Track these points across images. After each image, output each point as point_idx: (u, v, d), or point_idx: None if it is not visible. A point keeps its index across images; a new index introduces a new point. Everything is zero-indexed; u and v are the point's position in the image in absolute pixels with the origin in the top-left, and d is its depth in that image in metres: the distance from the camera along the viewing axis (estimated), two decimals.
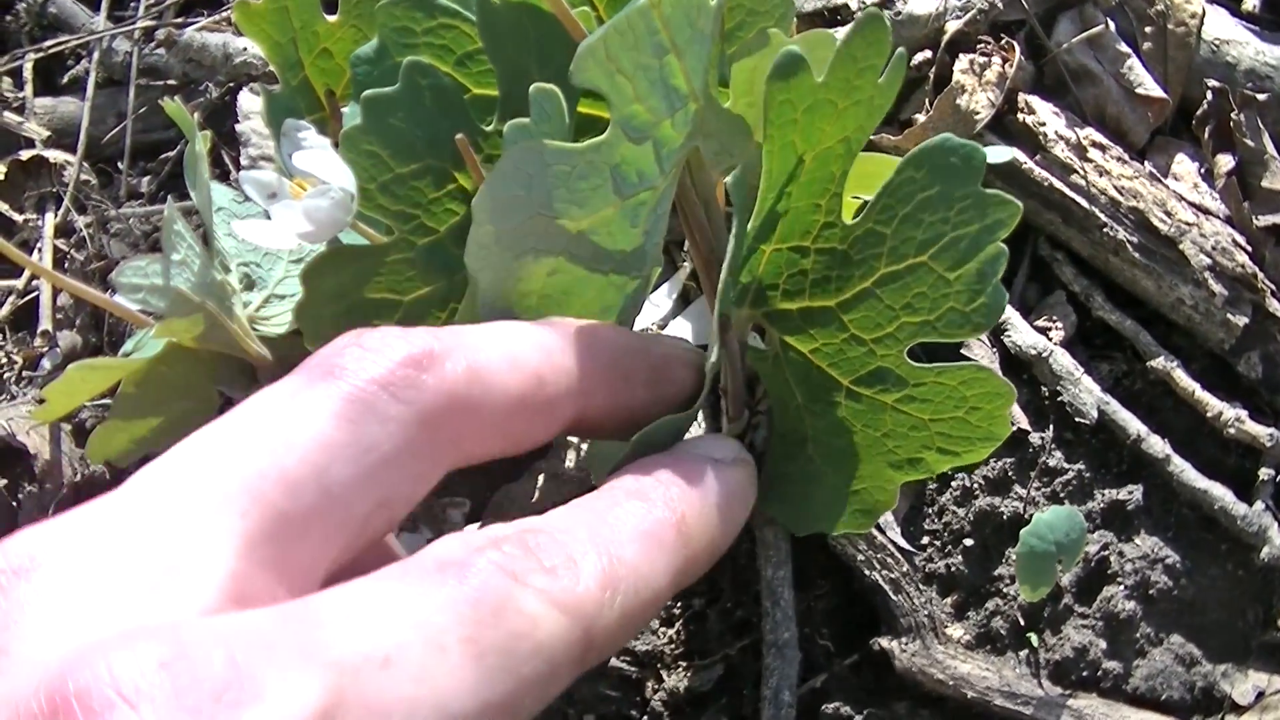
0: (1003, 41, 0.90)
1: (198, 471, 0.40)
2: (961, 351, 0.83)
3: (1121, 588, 0.78)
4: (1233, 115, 0.89)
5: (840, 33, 0.56)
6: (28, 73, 1.11)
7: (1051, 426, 0.83)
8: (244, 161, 0.96)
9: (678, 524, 0.48)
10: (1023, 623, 0.78)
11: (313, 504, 0.41)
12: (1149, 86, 0.91)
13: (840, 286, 0.58)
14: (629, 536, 0.45)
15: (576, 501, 0.47)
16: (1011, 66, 0.89)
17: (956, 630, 0.78)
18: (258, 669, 0.34)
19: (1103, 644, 0.77)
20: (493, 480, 0.83)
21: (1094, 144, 0.88)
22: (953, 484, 0.81)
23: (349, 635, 0.36)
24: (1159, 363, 0.85)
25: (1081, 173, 0.87)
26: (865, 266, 0.57)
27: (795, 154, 0.56)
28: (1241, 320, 0.84)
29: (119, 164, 1.06)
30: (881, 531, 0.78)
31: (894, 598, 0.76)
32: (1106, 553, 0.79)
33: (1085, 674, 0.77)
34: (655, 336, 0.55)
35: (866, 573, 0.77)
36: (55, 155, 1.05)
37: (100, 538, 0.38)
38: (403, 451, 0.44)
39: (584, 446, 0.83)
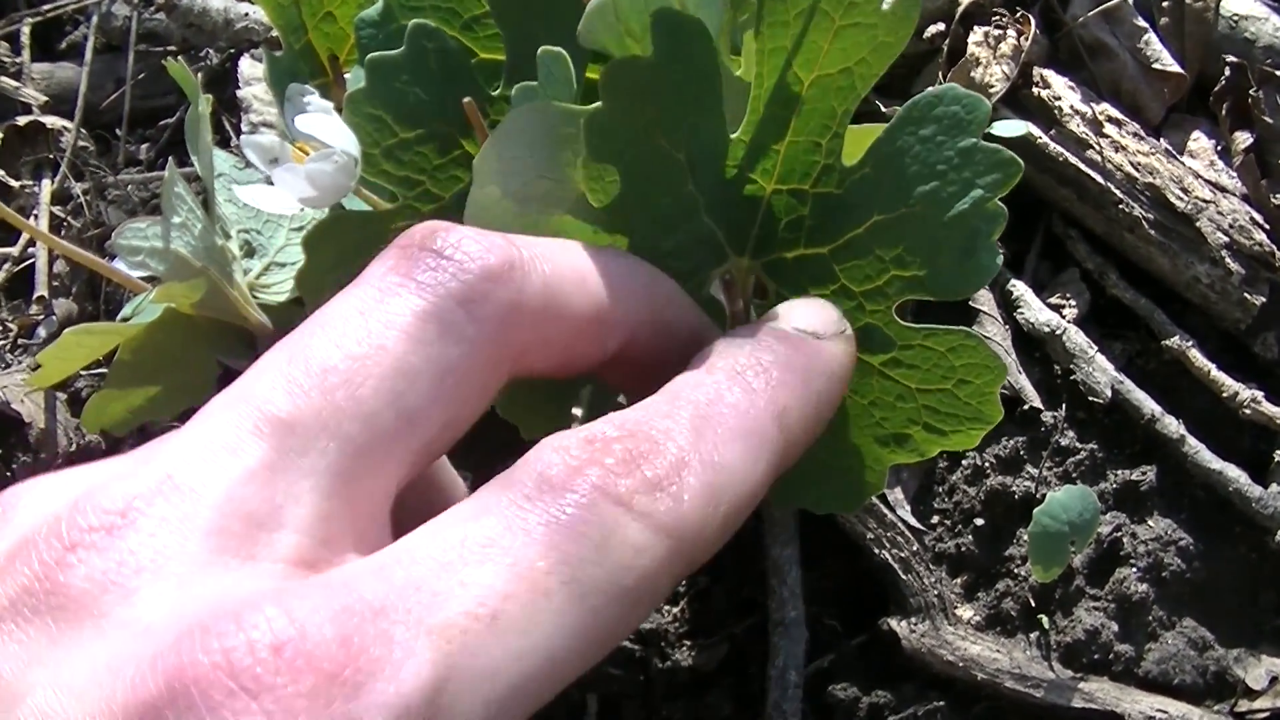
0: (1018, 14, 0.89)
1: (272, 405, 0.39)
2: (972, 329, 0.82)
3: (1134, 570, 0.77)
4: (1251, 92, 0.87)
5: None
6: (25, 37, 1.09)
7: (1064, 405, 0.82)
8: (245, 128, 0.95)
9: (779, 416, 0.46)
10: (1034, 604, 0.77)
11: (389, 433, 0.40)
12: (1166, 62, 0.89)
13: (834, 234, 0.57)
14: (732, 435, 0.44)
15: (677, 386, 0.46)
16: (1026, 40, 0.88)
17: (966, 611, 0.77)
18: (369, 643, 0.34)
19: (1114, 626, 0.76)
20: (490, 455, 0.82)
21: (1110, 119, 0.87)
22: (963, 463, 0.80)
23: (453, 592, 0.36)
24: (1174, 342, 0.83)
25: (1097, 148, 0.86)
26: (859, 213, 0.56)
27: (789, 69, 0.55)
28: (1259, 299, 0.82)
29: (117, 130, 1.04)
30: (891, 510, 0.77)
31: (903, 577, 0.75)
32: (1119, 534, 0.78)
33: (1096, 657, 0.76)
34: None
35: (876, 551, 0.76)
36: (53, 121, 1.03)
37: (189, 486, 0.37)
38: (474, 369, 0.42)
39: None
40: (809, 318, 0.52)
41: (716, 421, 0.44)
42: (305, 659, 0.33)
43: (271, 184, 0.60)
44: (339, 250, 0.63)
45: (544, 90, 0.54)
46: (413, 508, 0.42)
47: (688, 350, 0.50)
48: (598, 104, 0.53)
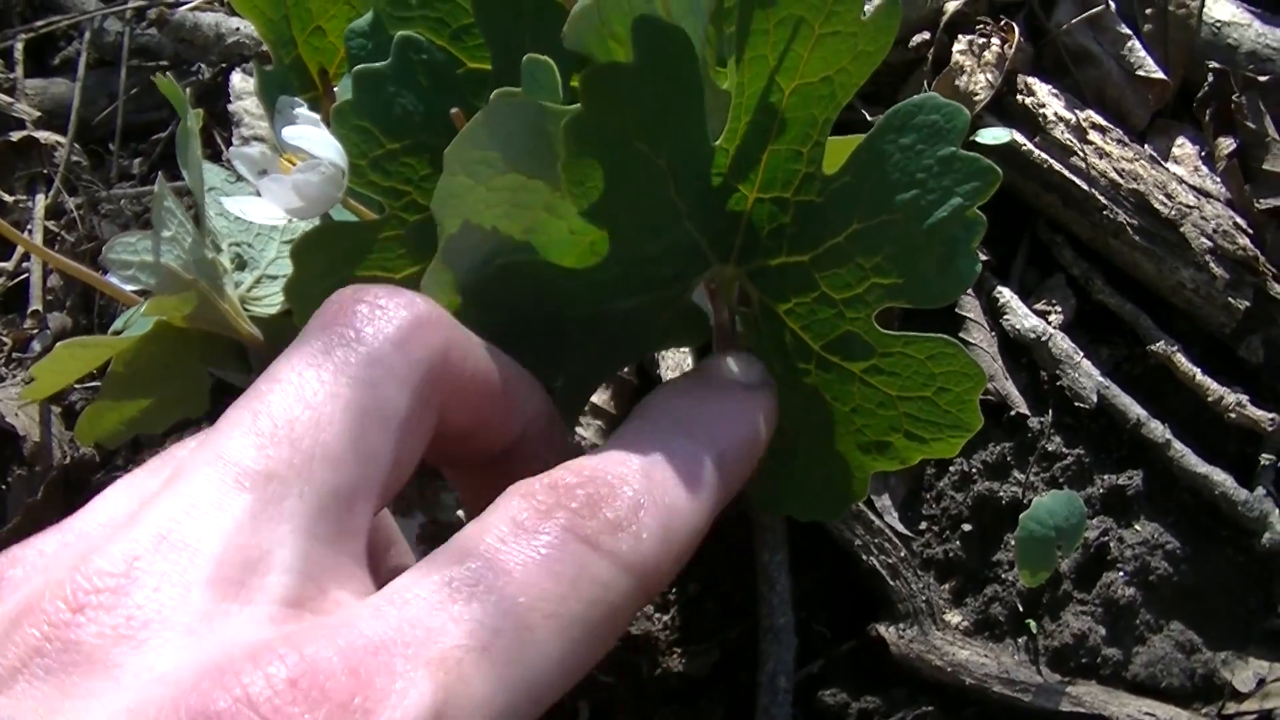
0: (1002, 22, 0.90)
1: (246, 458, 0.41)
2: (958, 336, 0.83)
3: (1121, 574, 0.78)
4: (1234, 98, 0.88)
5: None
6: (18, 53, 1.10)
7: (1051, 411, 0.82)
8: (236, 141, 0.95)
9: (719, 461, 0.51)
10: (1021, 609, 0.77)
11: (354, 474, 0.43)
12: (1150, 68, 0.90)
13: (815, 242, 0.57)
14: (680, 479, 0.48)
15: (625, 435, 0.51)
16: (1011, 47, 0.88)
17: (954, 616, 0.77)
18: (374, 675, 0.37)
19: (1102, 630, 0.76)
20: None
21: (1094, 126, 0.87)
22: (951, 469, 0.80)
23: (446, 628, 0.39)
24: (1159, 347, 0.84)
25: (1081, 155, 0.86)
26: (840, 221, 0.56)
27: (771, 78, 0.55)
28: (1243, 304, 0.83)
29: (110, 145, 1.05)
30: (879, 516, 0.77)
31: (891, 583, 0.76)
32: (1106, 538, 0.79)
33: (1084, 661, 0.76)
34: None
35: (864, 557, 0.76)
36: (46, 136, 1.04)
37: (184, 543, 0.39)
38: (414, 411, 0.45)
39: None
40: (740, 371, 0.57)
41: (664, 467, 0.48)
42: (319, 690, 0.35)
43: (259, 195, 0.60)
44: (327, 260, 0.63)
45: (532, 96, 0.55)
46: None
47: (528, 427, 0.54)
48: (577, 105, 0.53)
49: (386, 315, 0.46)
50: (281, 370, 0.44)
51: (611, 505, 0.45)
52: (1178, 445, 0.81)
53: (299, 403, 0.43)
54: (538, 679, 0.40)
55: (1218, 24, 0.91)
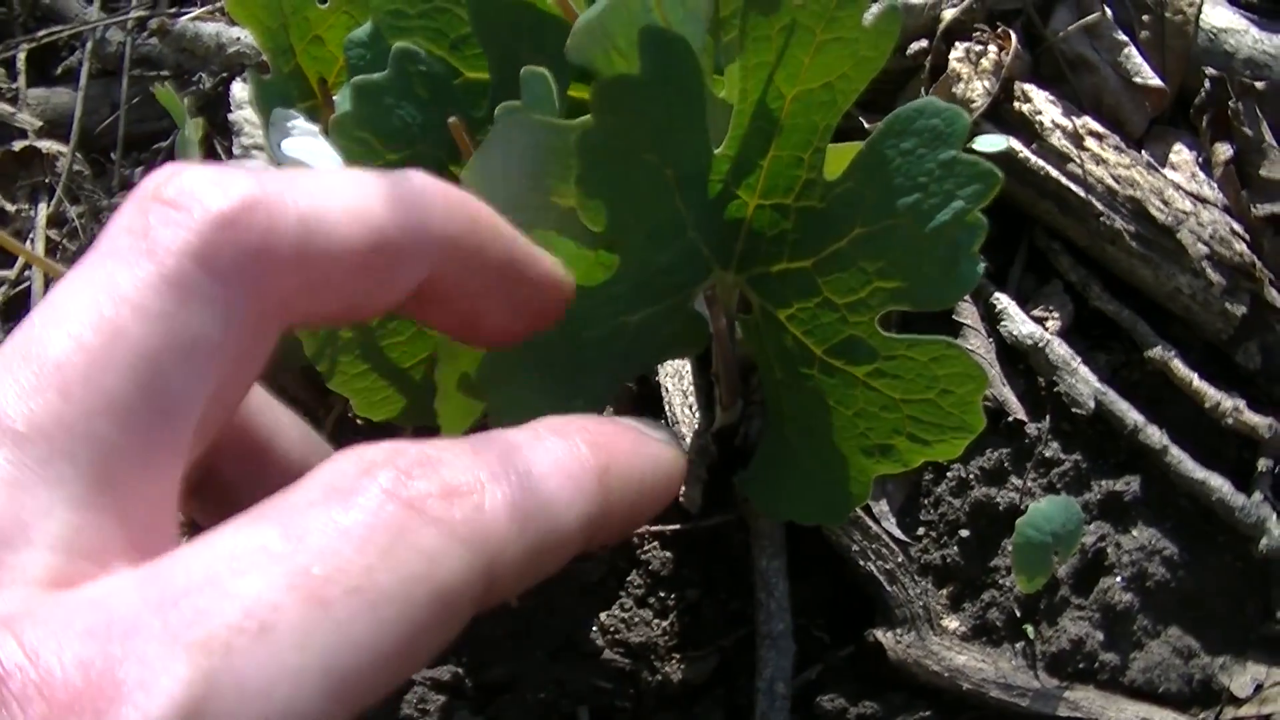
0: (999, 30, 0.90)
1: (3, 416, 0.34)
2: (955, 341, 0.83)
3: (1119, 579, 0.78)
4: (1231, 104, 0.88)
5: None
6: (21, 63, 1.11)
7: (1048, 417, 0.82)
8: (236, 151, 0.95)
9: (599, 472, 0.42)
10: (1019, 614, 0.78)
11: (145, 426, 0.36)
12: (1146, 75, 0.90)
13: (817, 247, 0.58)
14: (547, 470, 0.40)
15: (495, 430, 0.42)
16: (1008, 55, 0.88)
17: (952, 622, 0.78)
18: (114, 664, 0.30)
19: (1100, 636, 0.77)
20: None
21: (1091, 133, 0.88)
22: (948, 475, 0.81)
23: (214, 603, 0.32)
24: (1157, 353, 0.84)
25: (1078, 161, 0.86)
26: (842, 226, 0.57)
27: (771, 85, 0.55)
28: (1240, 310, 0.83)
29: (112, 154, 1.06)
30: (877, 522, 0.77)
31: (889, 589, 0.76)
32: (1103, 544, 0.79)
33: (1082, 666, 0.76)
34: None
35: (861, 563, 0.76)
36: (48, 145, 1.05)
37: None
38: (229, 334, 0.38)
39: None
40: (640, 423, 0.48)
41: (533, 456, 0.41)
42: (36, 688, 0.29)
43: None
44: None
45: (527, 110, 0.55)
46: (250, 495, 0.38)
47: (511, 279, 0.48)
48: (585, 118, 0.53)
49: (184, 218, 0.37)
50: (59, 298, 0.37)
51: (454, 469, 0.37)
52: (1175, 451, 0.81)
53: (72, 340, 0.35)
54: (338, 667, 0.32)
55: (1214, 30, 0.92)
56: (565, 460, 0.41)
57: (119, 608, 0.31)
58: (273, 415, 0.49)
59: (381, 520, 0.35)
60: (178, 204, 0.38)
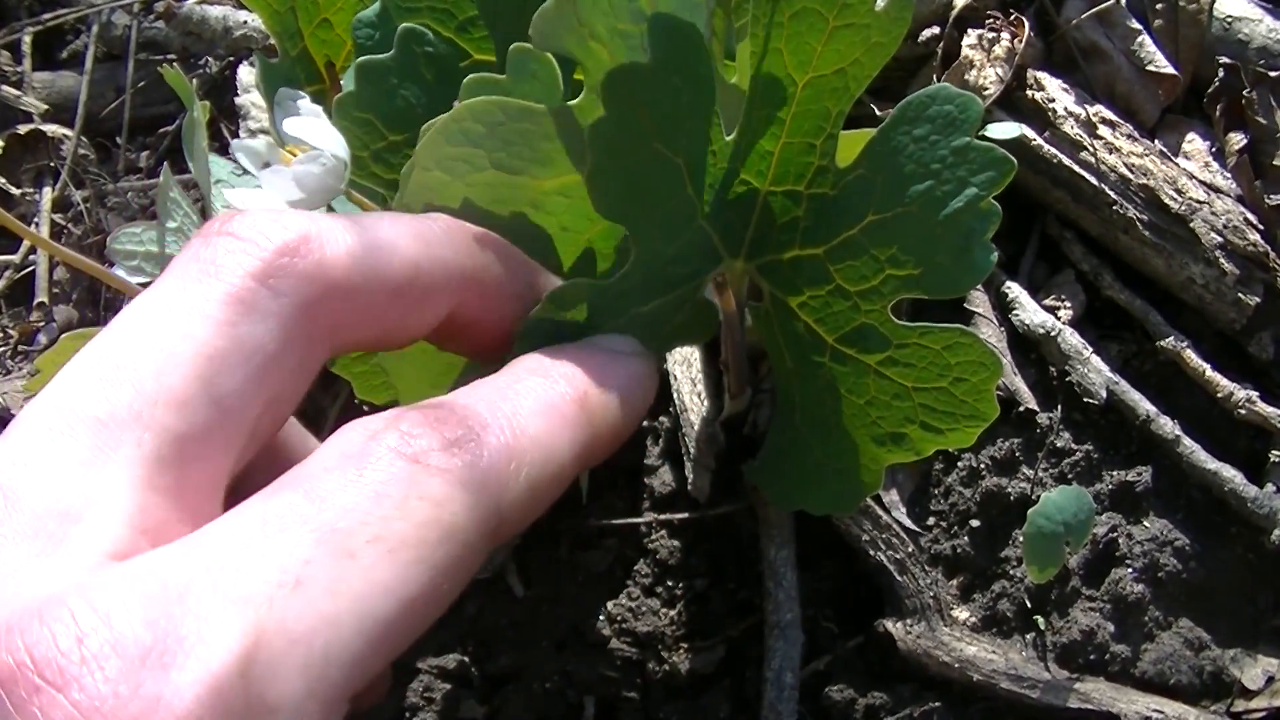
0: (1012, 17, 0.89)
1: (83, 402, 0.39)
2: (967, 328, 0.82)
3: (1130, 570, 0.77)
4: (1244, 93, 0.87)
5: None
6: (26, 46, 1.10)
7: (1060, 407, 0.82)
8: (243, 134, 0.95)
9: (580, 399, 0.48)
10: (1029, 605, 0.77)
11: (205, 420, 0.40)
12: (1160, 63, 0.90)
13: (829, 234, 0.57)
14: (532, 409, 0.45)
15: (478, 380, 0.47)
16: (1020, 42, 0.88)
17: (962, 612, 0.77)
18: (175, 622, 0.34)
19: (1111, 627, 0.76)
20: None
21: (1104, 121, 0.87)
22: (959, 464, 0.80)
23: (254, 564, 0.36)
24: (1169, 343, 0.83)
25: (1091, 150, 0.86)
26: (854, 213, 0.56)
27: (784, 71, 0.55)
28: (1253, 300, 0.82)
29: (117, 138, 1.05)
30: (887, 511, 0.77)
31: (899, 579, 0.75)
32: (1115, 535, 0.78)
33: (1093, 657, 0.76)
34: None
35: (871, 553, 0.76)
36: (53, 129, 1.04)
37: (5, 493, 0.37)
38: (285, 346, 0.43)
39: None
40: (609, 342, 0.54)
41: (517, 398, 0.45)
42: (111, 645, 0.33)
43: (261, 187, 0.60)
44: None
45: (515, 85, 0.54)
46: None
47: (528, 307, 0.53)
48: (577, 101, 0.53)
49: (248, 247, 0.43)
50: (136, 309, 0.42)
51: (450, 425, 0.42)
52: (1187, 441, 0.80)
53: (146, 343, 0.40)
54: (370, 611, 0.36)
55: (1228, 19, 0.91)
56: (548, 396, 0.46)
57: (174, 573, 0.35)
58: (304, 445, 0.53)
59: (392, 475, 0.39)
60: (241, 236, 0.43)
